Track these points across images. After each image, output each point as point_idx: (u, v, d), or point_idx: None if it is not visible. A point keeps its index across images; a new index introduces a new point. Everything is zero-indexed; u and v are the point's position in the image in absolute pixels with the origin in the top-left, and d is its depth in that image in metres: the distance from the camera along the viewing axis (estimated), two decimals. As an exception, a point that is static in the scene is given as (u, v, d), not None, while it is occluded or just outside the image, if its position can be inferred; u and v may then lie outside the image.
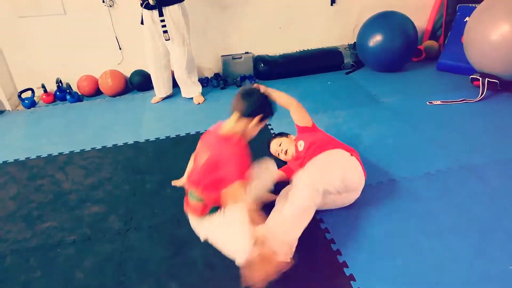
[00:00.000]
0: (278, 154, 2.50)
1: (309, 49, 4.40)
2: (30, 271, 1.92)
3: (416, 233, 1.94)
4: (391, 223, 2.02)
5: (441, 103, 3.32)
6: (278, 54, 4.33)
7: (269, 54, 4.33)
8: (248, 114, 1.79)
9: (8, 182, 2.71)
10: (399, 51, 3.89)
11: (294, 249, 1.72)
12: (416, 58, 4.31)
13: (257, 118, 1.80)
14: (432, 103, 3.33)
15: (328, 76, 4.19)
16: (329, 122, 3.16)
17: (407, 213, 2.08)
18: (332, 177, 1.89)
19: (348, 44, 4.41)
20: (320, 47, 4.41)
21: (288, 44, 4.38)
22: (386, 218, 2.06)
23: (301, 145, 2.27)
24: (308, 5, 4.25)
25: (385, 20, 3.94)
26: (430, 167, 2.46)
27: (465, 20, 3.85)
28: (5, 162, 2.98)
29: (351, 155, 2.12)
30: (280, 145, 2.49)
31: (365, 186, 2.14)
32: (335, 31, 4.44)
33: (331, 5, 4.30)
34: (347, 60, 4.31)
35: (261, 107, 1.83)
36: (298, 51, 4.39)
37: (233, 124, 1.80)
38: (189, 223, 2.08)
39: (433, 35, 4.45)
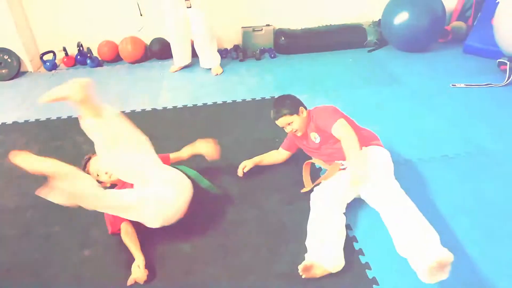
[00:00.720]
0: (285, 127, 2.17)
1: (332, 24, 4.30)
2: (50, 226, 2.01)
3: (429, 215, 1.93)
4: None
5: (465, 86, 3.23)
6: (300, 28, 4.25)
7: (291, 28, 4.25)
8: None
9: (29, 141, 2.79)
10: (425, 30, 3.77)
11: None
12: (443, 39, 4.17)
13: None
14: (455, 85, 3.25)
15: (349, 53, 4.11)
16: (348, 99, 3.12)
17: (421, 195, 2.07)
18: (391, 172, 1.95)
19: (373, 21, 4.28)
20: (343, 23, 4.30)
21: (311, 19, 4.28)
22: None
23: (316, 138, 2.10)
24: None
25: (413, -3, 3.80)
26: (448, 150, 2.43)
27: (496, 1, 3.68)
28: (26, 121, 3.06)
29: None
30: (290, 124, 2.09)
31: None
32: (359, 7, 4.31)
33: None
34: (370, 37, 4.20)
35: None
36: (321, 26, 4.30)
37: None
38: (203, 189, 2.12)
39: (462, 15, 4.28)
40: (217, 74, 3.79)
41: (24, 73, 4.00)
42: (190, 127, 2.88)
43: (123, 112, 3.06)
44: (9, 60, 3.82)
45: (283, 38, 4.14)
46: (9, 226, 2.05)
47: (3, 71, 3.82)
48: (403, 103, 3.04)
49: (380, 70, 3.68)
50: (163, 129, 2.87)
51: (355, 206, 1.96)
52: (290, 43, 4.15)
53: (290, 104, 2.05)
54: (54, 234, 1.97)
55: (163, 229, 1.86)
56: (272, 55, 4.13)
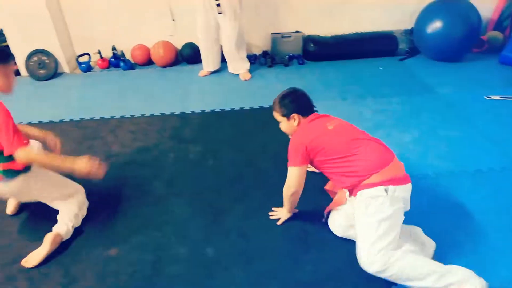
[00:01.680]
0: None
1: (363, 32, 4.26)
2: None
3: (459, 233, 1.87)
4: (433, 219, 1.96)
5: (500, 98, 3.12)
6: (329, 35, 4.23)
7: (320, 35, 4.23)
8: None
9: (64, 139, 2.88)
10: (459, 40, 3.67)
11: None
12: (478, 49, 4.04)
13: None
14: (490, 97, 3.14)
15: (380, 61, 4.05)
16: (377, 107, 3.07)
17: (451, 210, 2.01)
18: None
19: (405, 29, 4.21)
20: (374, 30, 4.24)
21: (341, 26, 4.25)
22: (428, 214, 1.99)
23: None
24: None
25: (448, 6, 3.71)
26: (482, 164, 2.34)
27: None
28: (61, 121, 3.18)
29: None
30: (280, 122, 1.99)
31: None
32: (391, 14, 4.24)
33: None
34: (402, 46, 4.13)
35: None
36: (351, 33, 4.26)
37: None
38: (228, 194, 2.14)
39: (499, 25, 4.14)
40: (245, 80, 3.82)
41: (61, 74, 4.17)
42: (217, 131, 2.91)
43: (152, 114, 3.19)
44: (47, 61, 3.99)
45: (312, 45, 4.13)
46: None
47: (42, 71, 4.00)
48: (435, 114, 2.96)
49: (411, 79, 3.61)
50: (191, 132, 2.92)
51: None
52: (320, 50, 4.13)
53: (286, 104, 1.88)
54: (81, 231, 2.03)
55: (187, 233, 1.89)
56: (301, 62, 4.13)
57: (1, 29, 4.01)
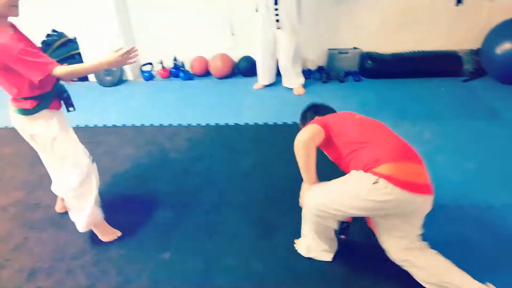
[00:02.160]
0: None
1: (424, 50, 4.11)
2: (133, 220, 2.18)
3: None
4: (487, 252, 1.83)
5: None
6: (388, 53, 4.13)
7: (379, 52, 4.15)
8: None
9: (125, 143, 3.07)
10: (533, 62, 3.42)
11: None
12: (553, 73, 3.74)
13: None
14: None
15: (441, 82, 3.87)
16: (437, 130, 2.94)
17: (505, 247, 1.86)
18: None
19: (470, 49, 4.00)
20: (436, 49, 4.08)
21: (402, 43, 4.14)
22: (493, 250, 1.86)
23: None
24: (430, 3, 3.95)
25: (521, 26, 3.49)
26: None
27: None
28: (124, 126, 3.37)
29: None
30: None
31: (455, 208, 1.96)
32: (456, 33, 4.06)
33: (456, 5, 3.94)
34: (467, 66, 3.92)
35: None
36: (412, 51, 4.13)
37: None
38: (278, 208, 2.14)
39: None
40: (299, 94, 3.83)
41: (125, 81, 4.43)
42: (270, 145, 2.93)
43: (208, 124, 3.29)
44: (114, 68, 4.27)
45: (370, 62, 4.06)
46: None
47: (108, 78, 4.28)
48: (500, 141, 2.77)
49: (476, 102, 3.41)
50: (244, 144, 2.97)
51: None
52: (377, 67, 4.05)
53: (306, 115, 2.00)
54: (137, 233, 2.13)
55: (237, 244, 1.91)
56: (357, 79, 4.07)
57: (75, 38, 4.37)
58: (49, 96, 1.78)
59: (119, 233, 2.11)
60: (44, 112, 1.77)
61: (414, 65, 4.02)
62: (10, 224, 2.26)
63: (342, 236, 1.87)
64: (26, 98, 1.72)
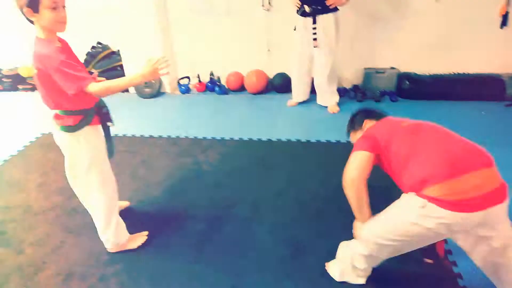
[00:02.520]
0: None
1: (465, 73, 4.00)
2: (166, 230, 2.21)
3: None
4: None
5: None
6: (427, 74, 4.05)
7: (417, 73, 4.08)
8: None
9: (160, 154, 3.15)
10: None
11: None
12: None
13: None
14: None
15: (482, 106, 3.74)
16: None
17: None
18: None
19: (515, 73, 3.86)
20: (478, 72, 3.96)
21: (442, 65, 4.05)
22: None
23: None
24: (473, 25, 3.85)
25: None
26: None
27: None
28: (160, 137, 3.46)
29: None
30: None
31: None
32: (499, 56, 3.93)
33: (501, 27, 3.82)
34: (510, 90, 3.78)
35: None
36: (451, 73, 4.03)
37: None
38: (310, 228, 2.12)
39: None
40: (334, 112, 3.81)
41: (163, 93, 4.57)
42: (302, 162, 2.92)
43: (241, 138, 3.32)
44: (153, 81, 4.42)
45: (407, 82, 3.99)
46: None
47: (147, 90, 4.43)
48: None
49: (520, 128, 3.27)
50: (276, 160, 2.97)
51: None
52: (415, 88, 3.97)
53: (356, 119, 1.94)
54: (170, 244, 2.16)
55: (268, 262, 1.89)
56: (393, 99, 4.00)
57: (118, 50, 4.56)
58: (92, 112, 1.85)
59: (145, 233, 2.17)
60: (86, 128, 1.83)
61: (454, 87, 3.91)
62: (49, 227, 2.36)
63: (429, 261, 1.86)
64: (68, 114, 1.78)
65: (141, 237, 2.17)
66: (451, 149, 1.48)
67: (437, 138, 1.54)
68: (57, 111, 1.79)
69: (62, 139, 1.85)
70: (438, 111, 3.68)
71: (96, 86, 1.64)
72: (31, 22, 1.65)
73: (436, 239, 1.57)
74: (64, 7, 1.66)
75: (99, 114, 1.90)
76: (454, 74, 4.01)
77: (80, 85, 1.62)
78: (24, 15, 1.62)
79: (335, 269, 1.84)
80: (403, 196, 1.51)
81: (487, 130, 3.26)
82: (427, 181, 1.39)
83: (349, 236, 2.10)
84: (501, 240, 1.41)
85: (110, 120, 1.97)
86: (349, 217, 2.23)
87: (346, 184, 1.60)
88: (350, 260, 1.74)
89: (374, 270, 1.81)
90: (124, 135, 3.48)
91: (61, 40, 1.77)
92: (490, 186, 1.37)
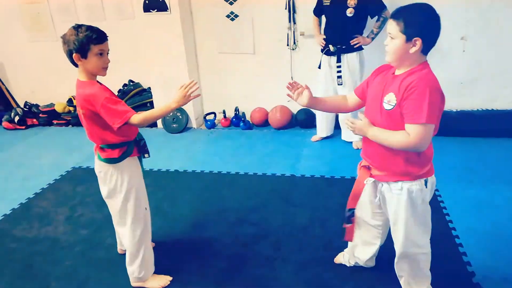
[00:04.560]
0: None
1: (493, 108, 3.92)
2: (187, 267, 2.19)
3: None
4: None
5: None
6: (453, 110, 3.99)
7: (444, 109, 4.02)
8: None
9: (185, 189, 3.18)
10: None
11: None
12: None
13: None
14: None
15: (513, 143, 3.63)
16: (508, 196, 2.71)
17: None
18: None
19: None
20: (507, 108, 3.87)
21: (468, 101, 3.98)
22: None
23: (390, 102, 1.62)
24: (499, 59, 3.81)
25: None
26: None
27: None
28: (185, 171, 3.52)
29: None
30: (391, 38, 1.59)
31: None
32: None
33: (529, 63, 3.76)
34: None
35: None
36: (479, 109, 3.96)
37: None
38: (337, 269, 2.05)
39: None
40: (358, 148, 3.77)
41: (189, 128, 4.68)
42: (327, 199, 2.88)
43: (264, 174, 3.32)
44: (180, 116, 4.55)
45: (433, 119, 3.92)
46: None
47: (174, 125, 4.55)
48: None
49: (555, 166, 3.13)
50: (300, 196, 2.94)
51: None
52: (441, 124, 3.76)
53: (413, 21, 1.47)
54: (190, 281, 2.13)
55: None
56: (419, 135, 3.93)
57: (149, 88, 4.75)
58: (133, 144, 1.95)
59: (169, 278, 2.15)
60: (127, 160, 1.92)
61: (482, 123, 3.82)
62: (75, 261, 2.39)
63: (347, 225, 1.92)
64: (113, 147, 1.88)
65: (164, 280, 2.14)
66: None
67: None
68: (102, 146, 1.90)
69: (104, 170, 1.94)
70: (467, 147, 3.58)
71: (138, 117, 1.75)
72: (76, 65, 1.78)
73: None
74: (108, 53, 1.78)
75: (137, 146, 2.00)
76: (483, 110, 3.93)
77: (124, 118, 1.73)
78: (71, 59, 1.75)
79: None
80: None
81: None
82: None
83: (378, 279, 2.03)
84: None
85: (147, 151, 2.05)
86: (376, 258, 2.17)
87: (409, 146, 1.55)
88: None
89: (387, 264, 1.85)
90: (151, 170, 3.56)
91: (99, 82, 1.90)
92: None
